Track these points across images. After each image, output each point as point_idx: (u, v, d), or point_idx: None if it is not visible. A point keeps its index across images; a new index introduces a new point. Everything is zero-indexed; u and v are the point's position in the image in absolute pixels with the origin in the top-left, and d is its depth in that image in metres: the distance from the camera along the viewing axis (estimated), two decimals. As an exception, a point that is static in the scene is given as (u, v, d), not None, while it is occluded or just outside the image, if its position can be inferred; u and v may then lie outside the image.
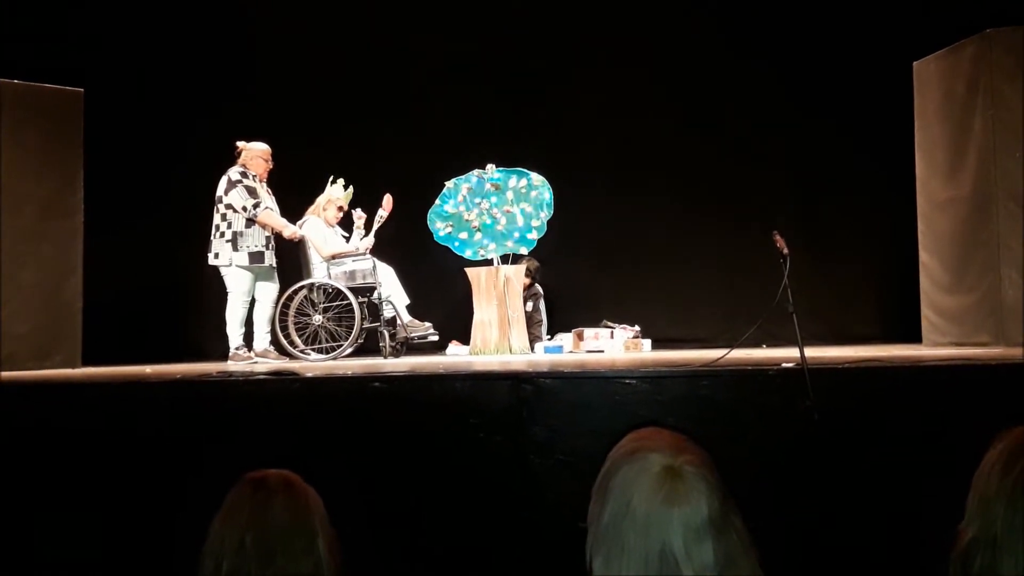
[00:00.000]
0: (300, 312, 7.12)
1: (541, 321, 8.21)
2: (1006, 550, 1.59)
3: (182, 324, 8.69)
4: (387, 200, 7.40)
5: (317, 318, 7.07)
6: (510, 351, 7.27)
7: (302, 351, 7.00)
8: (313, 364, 6.57)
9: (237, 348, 7.02)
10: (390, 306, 7.22)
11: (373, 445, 3.98)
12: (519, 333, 7.41)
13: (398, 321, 7.23)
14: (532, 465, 3.84)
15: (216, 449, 3.88)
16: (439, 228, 7.68)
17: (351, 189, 7.54)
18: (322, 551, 1.84)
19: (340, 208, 7.51)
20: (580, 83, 8.56)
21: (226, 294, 7.08)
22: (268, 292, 7.13)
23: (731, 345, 4.60)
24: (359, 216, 7.50)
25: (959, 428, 3.41)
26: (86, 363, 7.03)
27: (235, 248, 6.95)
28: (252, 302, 7.11)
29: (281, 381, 4.50)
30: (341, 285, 7.08)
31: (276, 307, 7.07)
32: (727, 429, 3.81)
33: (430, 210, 7.70)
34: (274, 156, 7.24)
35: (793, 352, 4.06)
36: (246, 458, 2.13)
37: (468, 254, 7.66)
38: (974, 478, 1.69)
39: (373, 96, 8.69)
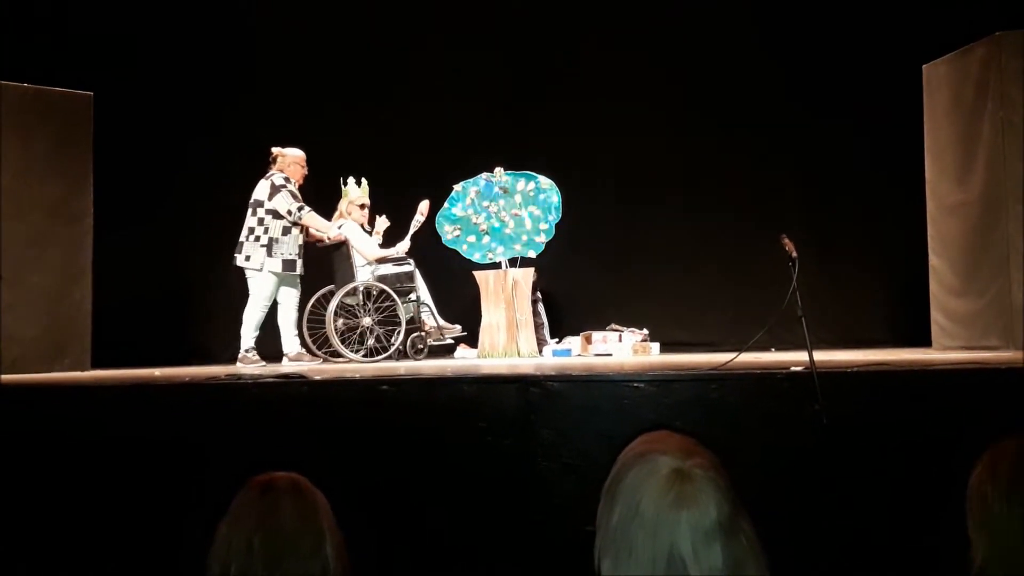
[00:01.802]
0: (319, 315, 7.18)
1: (543, 323, 8.21)
2: (1020, 561, 1.58)
3: (191, 327, 8.70)
4: (424, 205, 7.52)
5: (367, 320, 7.15)
6: (518, 354, 7.27)
7: (357, 352, 7.09)
8: (354, 366, 6.66)
9: (247, 351, 7.05)
10: (426, 309, 7.27)
11: (381, 448, 3.98)
12: (527, 336, 7.40)
13: (430, 323, 7.31)
14: (540, 468, 3.84)
15: (224, 452, 3.88)
16: (447, 231, 7.69)
17: (365, 184, 7.60)
18: (329, 554, 1.84)
19: (362, 206, 7.56)
20: (589, 86, 8.54)
21: (241, 296, 7.12)
22: (291, 296, 7.22)
23: (740, 349, 4.59)
24: (383, 222, 7.60)
25: (969, 432, 3.40)
26: (95, 366, 7.04)
27: (269, 254, 7.03)
28: (272, 307, 7.18)
29: (289, 384, 4.50)
30: (386, 288, 7.18)
31: (307, 311, 7.18)
32: (735, 433, 3.80)
33: (438, 213, 7.71)
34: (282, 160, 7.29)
35: (802, 356, 4.05)
36: (254, 461, 2.12)
37: (476, 257, 7.67)
38: (968, 495, 1.69)
39: (380, 99, 8.69)
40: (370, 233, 7.61)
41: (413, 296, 7.32)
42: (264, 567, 1.79)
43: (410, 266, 7.36)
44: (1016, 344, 5.82)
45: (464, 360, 7.53)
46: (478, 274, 7.57)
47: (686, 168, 8.34)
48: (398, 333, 7.10)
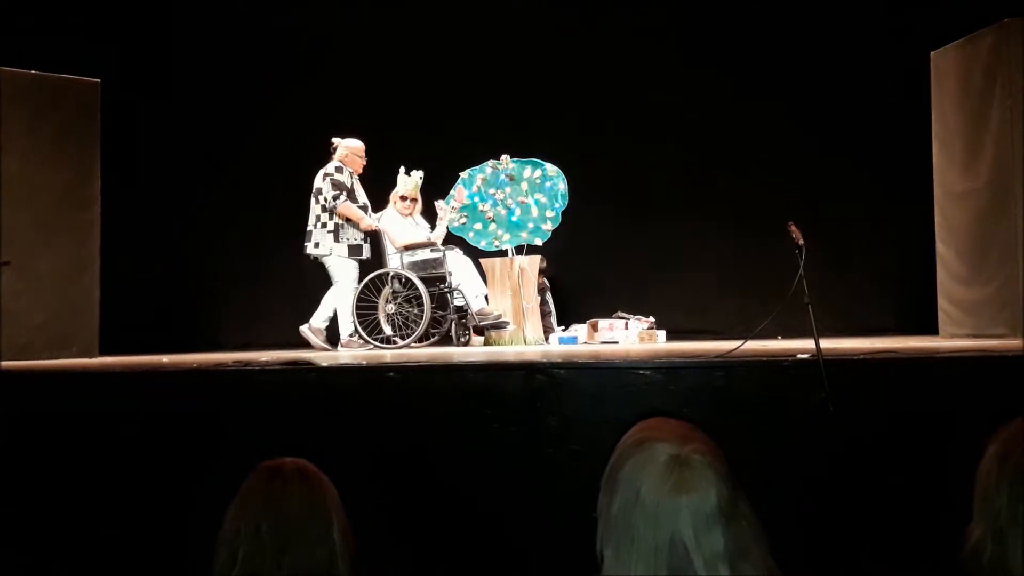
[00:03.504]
0: (368, 301, 7.27)
1: (551, 312, 8.20)
2: (1011, 542, 1.59)
3: (199, 315, 8.73)
4: (458, 191, 7.50)
5: (390, 307, 7.23)
6: (524, 342, 7.28)
7: (385, 339, 7.15)
8: (362, 352, 6.76)
9: (350, 335, 7.20)
10: (460, 295, 7.26)
11: (387, 435, 3.99)
12: (534, 324, 7.41)
13: (468, 310, 7.28)
14: (546, 455, 3.85)
15: (232, 437, 3.90)
16: (453, 219, 7.69)
17: (416, 177, 7.49)
18: (336, 539, 1.85)
19: (405, 198, 7.51)
20: (595, 75, 8.53)
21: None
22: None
23: (746, 336, 4.59)
24: (441, 208, 7.58)
25: (975, 420, 3.40)
26: (103, 353, 7.07)
27: (336, 239, 7.19)
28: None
29: (296, 371, 4.52)
30: (412, 274, 7.19)
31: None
32: (742, 420, 3.80)
33: (444, 200, 7.70)
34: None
35: (808, 343, 4.05)
36: (261, 446, 2.14)
37: (483, 245, 7.67)
38: (977, 474, 1.70)
39: (387, 86, 8.69)
40: (432, 224, 7.62)
41: (447, 283, 7.28)
42: (272, 552, 1.81)
43: (440, 252, 7.35)
44: (1021, 332, 5.80)
45: (470, 347, 7.54)
46: (484, 262, 7.57)
47: (693, 156, 8.33)
48: (423, 319, 7.08)
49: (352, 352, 6.91)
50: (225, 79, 8.64)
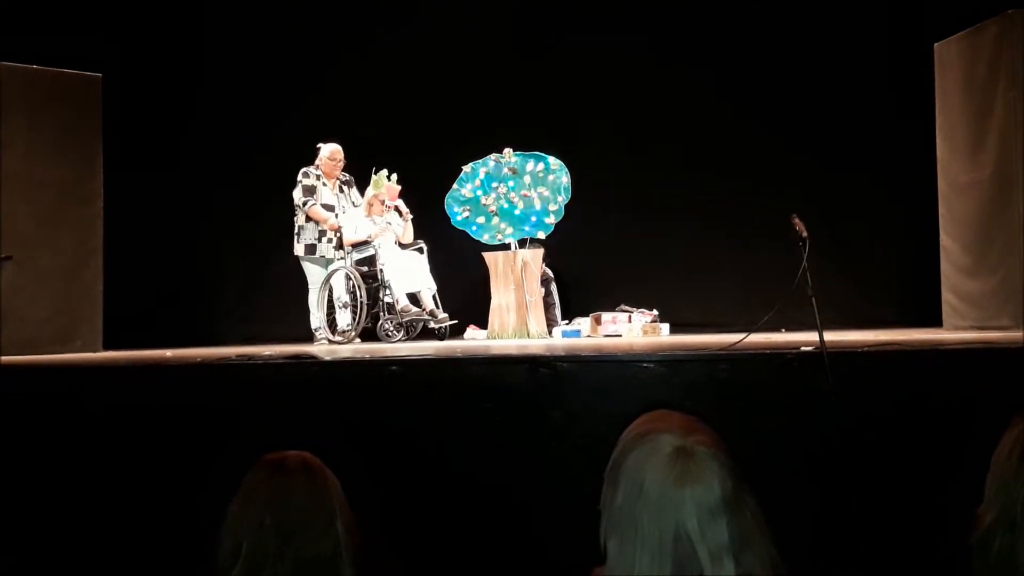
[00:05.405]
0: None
1: (555, 304, 8.20)
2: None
3: (202, 309, 8.74)
4: (387, 189, 7.41)
5: (339, 303, 7.33)
6: (528, 335, 7.28)
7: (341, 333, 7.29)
8: (333, 347, 6.75)
9: (315, 329, 7.38)
10: (388, 291, 7.23)
11: (391, 428, 3.99)
12: (537, 317, 7.41)
13: (402, 306, 7.21)
14: (549, 448, 3.85)
15: (235, 431, 3.90)
16: (456, 212, 7.69)
17: (382, 177, 7.42)
18: (340, 532, 1.85)
19: (381, 201, 7.45)
20: (598, 66, 8.50)
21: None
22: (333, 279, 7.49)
23: (749, 329, 4.58)
24: (403, 209, 7.58)
25: (979, 411, 3.40)
26: (107, 347, 7.08)
27: (297, 240, 7.43)
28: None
29: (300, 364, 4.52)
30: (353, 271, 7.23)
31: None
32: (745, 413, 3.80)
33: (447, 195, 7.70)
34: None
35: (812, 336, 4.04)
36: (265, 440, 2.14)
37: (485, 238, 7.66)
38: (992, 461, 1.69)
39: (389, 80, 8.68)
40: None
41: (379, 279, 7.27)
42: (276, 544, 1.81)
43: (372, 250, 7.31)
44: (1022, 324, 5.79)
45: (474, 341, 7.54)
46: (487, 255, 7.57)
47: (696, 148, 8.30)
48: (360, 313, 7.15)
49: (314, 347, 6.93)
50: (227, 74, 8.63)
